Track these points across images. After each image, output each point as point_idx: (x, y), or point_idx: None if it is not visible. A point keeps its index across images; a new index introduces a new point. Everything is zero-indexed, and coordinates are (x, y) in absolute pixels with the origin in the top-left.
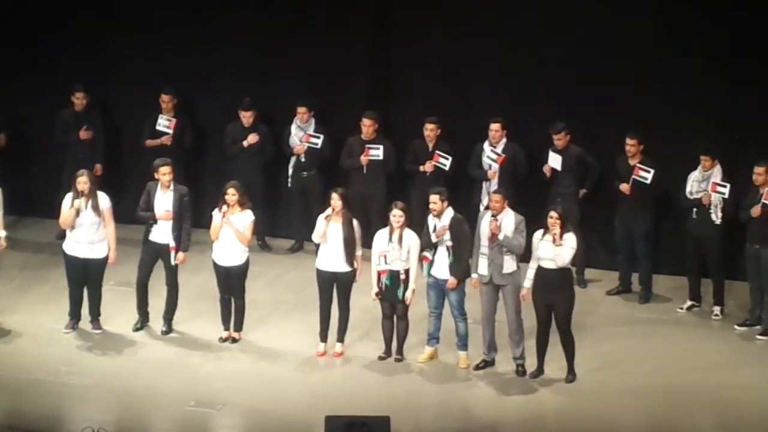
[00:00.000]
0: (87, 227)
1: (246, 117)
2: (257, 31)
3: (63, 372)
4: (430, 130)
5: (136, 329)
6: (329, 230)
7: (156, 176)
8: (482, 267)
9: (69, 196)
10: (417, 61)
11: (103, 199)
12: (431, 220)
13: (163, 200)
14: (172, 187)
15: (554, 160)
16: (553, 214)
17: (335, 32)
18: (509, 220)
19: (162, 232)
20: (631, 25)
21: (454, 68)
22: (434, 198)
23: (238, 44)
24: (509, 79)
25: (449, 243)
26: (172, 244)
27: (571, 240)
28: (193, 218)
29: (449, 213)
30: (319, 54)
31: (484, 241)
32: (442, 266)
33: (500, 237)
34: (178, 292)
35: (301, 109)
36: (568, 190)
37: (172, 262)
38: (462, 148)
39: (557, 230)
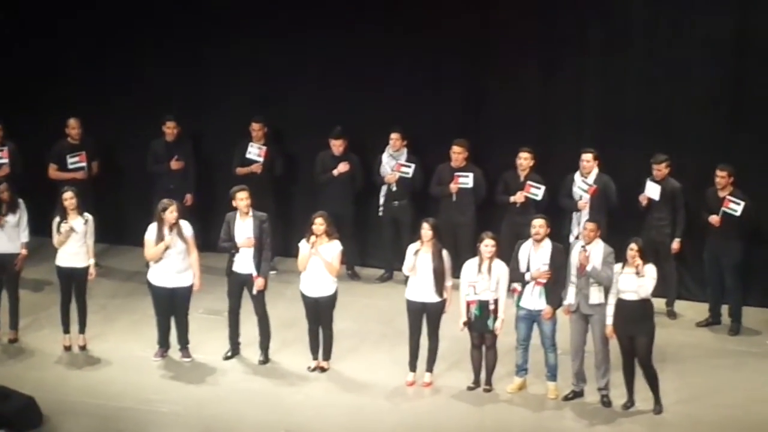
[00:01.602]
0: (174, 256)
1: (336, 146)
2: (348, 60)
3: (152, 400)
4: (524, 159)
5: (227, 358)
6: (419, 261)
7: (233, 203)
8: (571, 296)
9: (153, 228)
10: (509, 91)
11: (186, 227)
12: (523, 251)
13: (243, 228)
14: (250, 214)
15: (652, 190)
16: (633, 246)
17: (427, 62)
18: (598, 252)
19: (244, 262)
20: (719, 53)
21: (546, 98)
22: (540, 222)
23: (328, 73)
24: (600, 110)
25: (542, 280)
26: (255, 273)
27: (651, 271)
28: (282, 247)
29: (547, 242)
30: (410, 83)
31: (574, 270)
32: (532, 298)
33: (588, 268)
34: (269, 321)
35: (394, 135)
36: (661, 222)
37: (254, 291)
38: (551, 179)
39: (639, 262)
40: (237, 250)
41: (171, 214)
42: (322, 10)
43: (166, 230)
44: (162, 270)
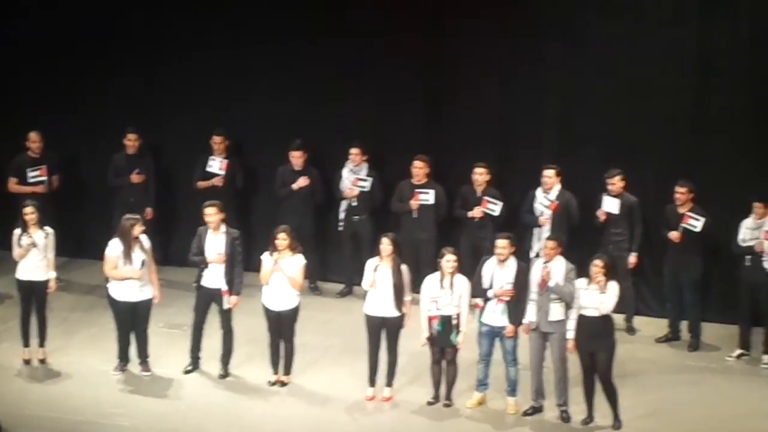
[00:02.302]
0: (140, 270)
1: (296, 158)
2: (309, 74)
3: (112, 414)
4: (479, 175)
5: (187, 372)
6: (378, 276)
7: (204, 219)
8: (531, 313)
9: (115, 244)
10: (470, 107)
11: (145, 241)
12: (487, 268)
13: (215, 244)
14: (223, 229)
15: (610, 204)
16: (597, 262)
17: (389, 77)
18: (559, 268)
19: (214, 277)
20: (679, 70)
21: (507, 114)
22: (504, 243)
23: (289, 87)
24: (561, 126)
25: (506, 298)
26: (224, 288)
27: (614, 288)
28: (244, 261)
29: (512, 261)
30: (371, 98)
31: (534, 287)
32: (495, 314)
33: (551, 284)
34: (233, 336)
35: (354, 150)
36: (619, 237)
37: (224, 306)
38: (513, 195)
39: (602, 278)
40: (206, 264)
41: (139, 228)
42: (283, 22)
43: (134, 254)
44: (126, 285)
